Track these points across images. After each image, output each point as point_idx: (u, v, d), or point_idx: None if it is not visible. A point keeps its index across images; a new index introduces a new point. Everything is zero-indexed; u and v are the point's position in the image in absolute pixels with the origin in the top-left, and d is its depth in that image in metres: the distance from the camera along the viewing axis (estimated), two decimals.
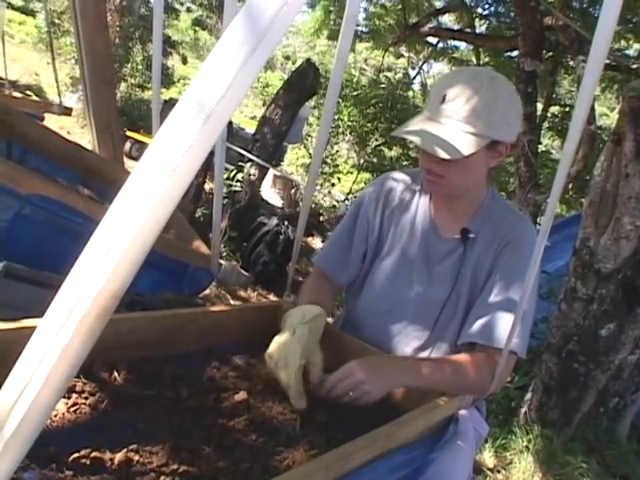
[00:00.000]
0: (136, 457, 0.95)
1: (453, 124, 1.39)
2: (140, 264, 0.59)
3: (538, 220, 5.63)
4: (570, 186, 6.83)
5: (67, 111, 4.08)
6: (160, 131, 0.59)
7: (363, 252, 1.73)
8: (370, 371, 1.29)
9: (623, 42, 7.67)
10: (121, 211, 0.58)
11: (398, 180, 1.73)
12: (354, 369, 1.28)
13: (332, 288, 1.76)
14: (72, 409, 1.05)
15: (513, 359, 1.47)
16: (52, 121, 6.93)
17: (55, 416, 1.01)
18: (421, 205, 1.66)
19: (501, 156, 1.49)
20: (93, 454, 0.92)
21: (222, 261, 2.16)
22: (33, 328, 0.61)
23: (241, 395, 1.27)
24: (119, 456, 0.94)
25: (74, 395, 1.08)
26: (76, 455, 0.91)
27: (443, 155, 1.36)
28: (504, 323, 1.43)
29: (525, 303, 1.32)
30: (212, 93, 0.58)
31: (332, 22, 8.84)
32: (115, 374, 1.19)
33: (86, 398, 1.08)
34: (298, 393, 1.27)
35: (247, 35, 0.59)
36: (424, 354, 1.62)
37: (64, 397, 1.06)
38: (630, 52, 7.96)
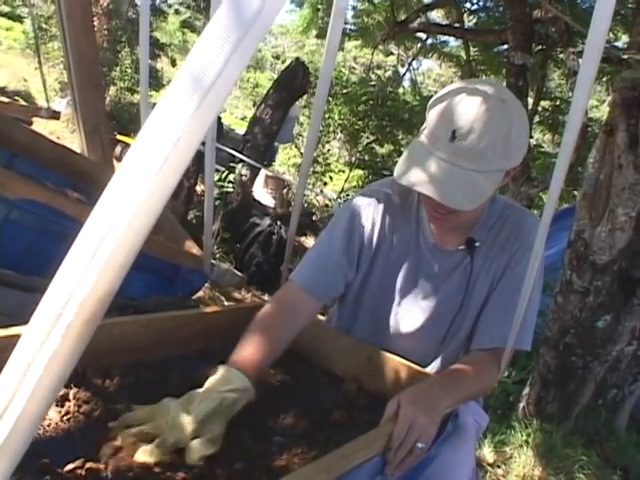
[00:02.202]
0: (133, 465, 0.93)
1: (469, 165, 1.25)
2: (130, 265, 0.56)
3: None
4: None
5: (55, 115, 4.05)
6: (148, 121, 0.56)
7: (354, 272, 1.56)
8: (420, 406, 1.12)
9: (611, 34, 7.69)
10: (108, 209, 0.55)
11: (393, 196, 1.55)
12: (410, 412, 1.10)
13: (300, 315, 1.44)
14: (65, 418, 1.02)
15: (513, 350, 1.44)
16: (41, 126, 6.88)
17: (48, 425, 0.99)
18: (420, 221, 1.53)
19: (508, 176, 1.38)
20: (88, 464, 0.90)
21: (215, 262, 2.14)
22: (21, 336, 0.58)
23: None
24: (115, 465, 0.91)
25: (67, 403, 1.06)
26: (71, 466, 0.89)
27: (465, 208, 1.26)
28: (527, 326, 1.41)
29: (527, 299, 1.30)
30: (208, 70, 0.55)
31: (320, 20, 8.80)
32: (108, 380, 1.17)
33: (79, 406, 1.06)
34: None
35: (237, 19, 0.56)
36: (430, 365, 1.58)
37: (57, 406, 1.04)
38: (619, 44, 7.97)
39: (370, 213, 1.53)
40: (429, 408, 1.13)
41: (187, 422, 1.01)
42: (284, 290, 1.50)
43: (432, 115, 1.31)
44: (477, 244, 1.47)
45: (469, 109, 1.24)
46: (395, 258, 1.54)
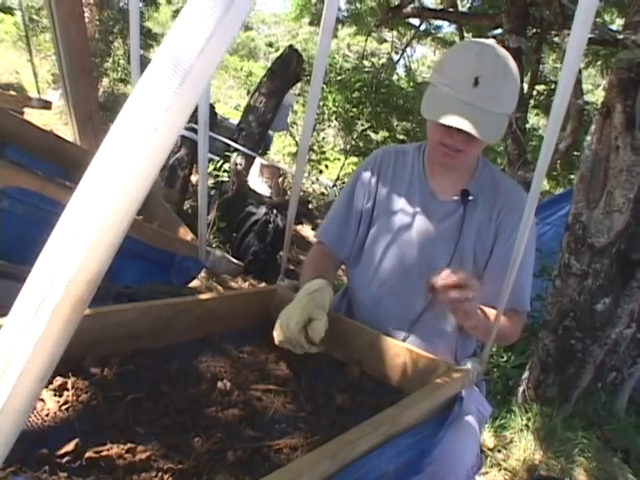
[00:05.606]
0: (133, 455, 0.91)
1: (489, 107, 1.42)
2: (118, 245, 0.53)
3: None
4: (558, 162, 6.81)
5: (47, 105, 3.99)
6: (133, 94, 0.52)
7: (359, 223, 1.76)
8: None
9: (606, 17, 7.64)
10: (93, 186, 0.51)
11: (391, 152, 1.77)
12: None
13: (332, 261, 1.79)
14: (64, 407, 1.00)
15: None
16: (34, 119, 6.80)
17: (47, 415, 0.97)
18: (416, 173, 1.70)
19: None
20: (87, 454, 0.88)
21: (210, 249, 2.11)
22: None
23: (238, 384, 1.23)
24: (115, 454, 0.89)
25: (66, 393, 1.04)
26: (70, 456, 0.87)
27: (490, 140, 1.47)
28: (524, 288, 1.61)
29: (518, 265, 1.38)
30: (189, 49, 0.52)
31: (313, 7, 8.74)
32: (107, 369, 1.15)
33: (78, 395, 1.04)
34: (300, 344, 1.34)
35: None
36: (430, 314, 1.62)
37: (56, 395, 1.02)
38: (613, 27, 7.93)
39: (371, 168, 1.75)
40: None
41: (297, 314, 1.36)
42: (314, 245, 1.86)
43: (449, 65, 1.48)
44: (471, 197, 1.61)
45: (487, 59, 1.42)
46: (395, 206, 1.69)
